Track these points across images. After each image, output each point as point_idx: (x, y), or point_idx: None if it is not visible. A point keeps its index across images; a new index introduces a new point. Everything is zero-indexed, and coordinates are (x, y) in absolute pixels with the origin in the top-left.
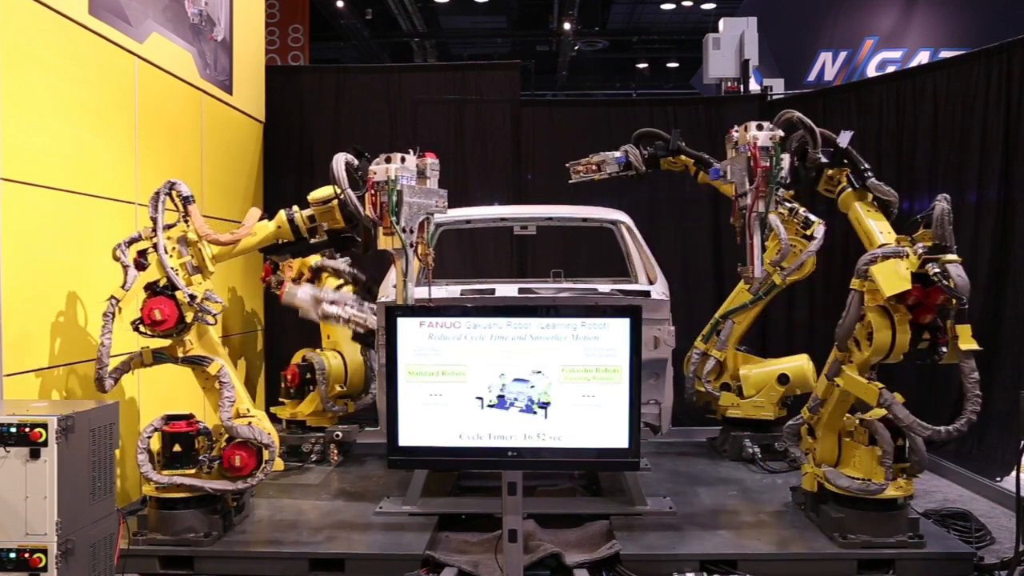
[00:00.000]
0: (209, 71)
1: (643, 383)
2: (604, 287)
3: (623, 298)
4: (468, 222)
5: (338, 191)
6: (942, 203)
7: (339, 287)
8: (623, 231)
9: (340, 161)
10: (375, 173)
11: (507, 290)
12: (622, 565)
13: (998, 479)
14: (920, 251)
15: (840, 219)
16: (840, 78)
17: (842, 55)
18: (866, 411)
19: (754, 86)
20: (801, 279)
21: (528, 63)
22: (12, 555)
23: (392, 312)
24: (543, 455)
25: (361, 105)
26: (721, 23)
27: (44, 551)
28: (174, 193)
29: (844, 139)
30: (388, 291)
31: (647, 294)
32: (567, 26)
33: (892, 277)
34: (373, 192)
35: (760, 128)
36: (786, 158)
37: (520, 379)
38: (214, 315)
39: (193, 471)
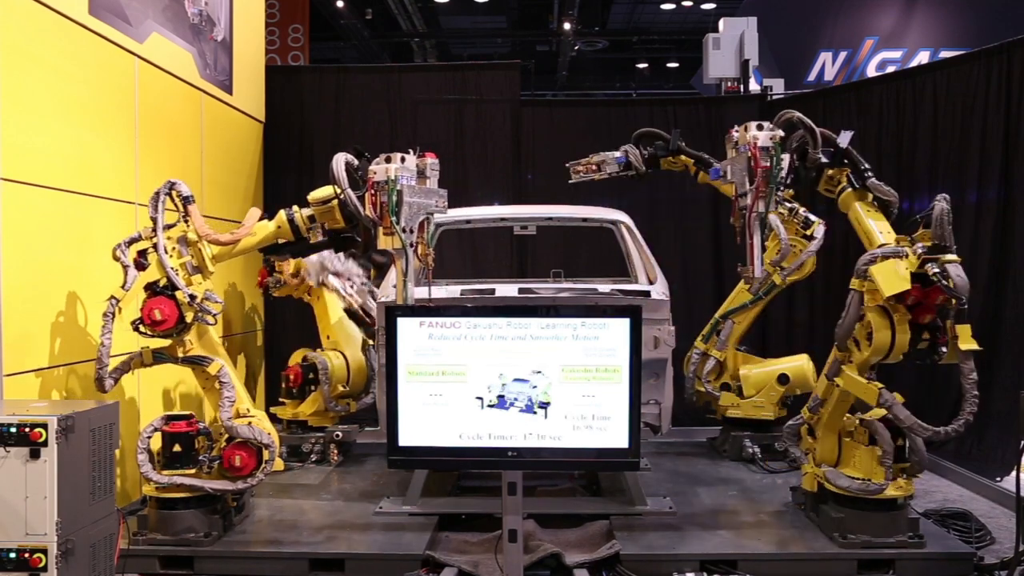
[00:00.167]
0: (209, 71)
1: (643, 383)
2: (604, 287)
3: (623, 298)
4: (468, 222)
5: (338, 191)
6: (942, 203)
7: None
8: (623, 231)
9: (340, 161)
10: (375, 173)
11: (507, 290)
12: (622, 565)
13: (998, 479)
14: (920, 251)
15: (840, 219)
16: (840, 78)
17: (842, 55)
18: (866, 411)
19: (754, 86)
20: (801, 279)
21: (528, 63)
22: (12, 555)
23: (392, 312)
24: (543, 455)
25: (361, 105)
26: (721, 23)
27: (44, 551)
28: (174, 193)
29: (844, 139)
30: (388, 291)
31: (647, 294)
32: (567, 26)
33: (891, 277)
34: (373, 192)
35: (760, 128)
36: (786, 158)
37: (520, 379)
38: (214, 315)
39: (193, 471)
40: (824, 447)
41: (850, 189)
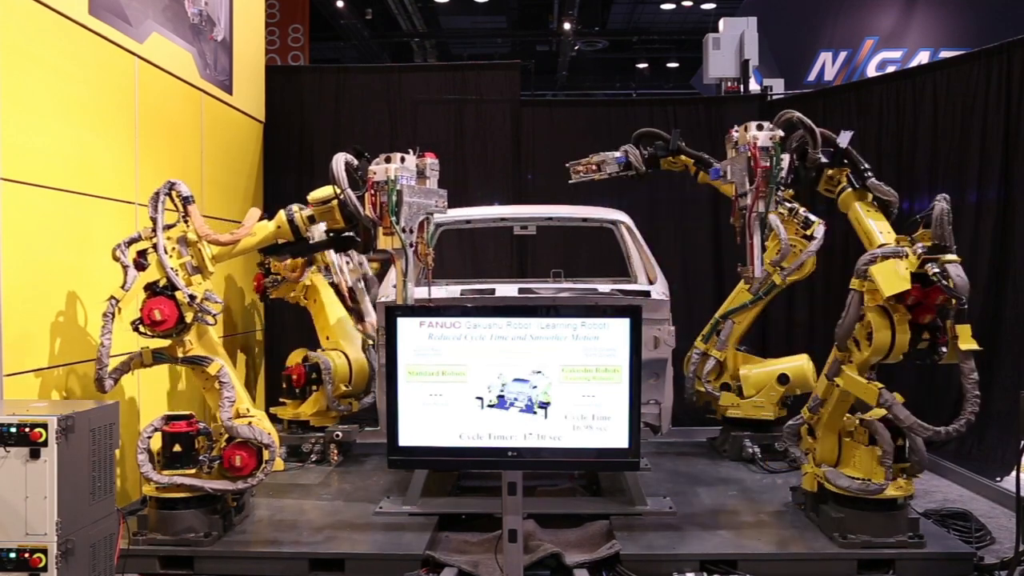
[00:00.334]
0: (209, 71)
1: (643, 383)
2: (604, 287)
3: (623, 298)
4: (468, 222)
5: (338, 191)
6: (942, 203)
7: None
8: (623, 231)
9: (340, 161)
10: (375, 173)
11: (507, 290)
12: (622, 565)
13: (998, 479)
14: (920, 251)
15: (840, 219)
16: (840, 78)
17: (842, 55)
18: (866, 411)
19: (754, 86)
20: (801, 279)
21: (528, 63)
22: (12, 555)
23: (392, 312)
24: (543, 455)
25: (361, 105)
26: (721, 23)
27: (44, 551)
28: (174, 193)
29: (844, 139)
30: (388, 291)
31: (647, 294)
32: (567, 26)
33: (891, 277)
34: (373, 192)
35: (760, 128)
36: (786, 158)
37: (520, 379)
38: (214, 315)
39: (193, 471)
40: (824, 447)
41: (850, 189)
